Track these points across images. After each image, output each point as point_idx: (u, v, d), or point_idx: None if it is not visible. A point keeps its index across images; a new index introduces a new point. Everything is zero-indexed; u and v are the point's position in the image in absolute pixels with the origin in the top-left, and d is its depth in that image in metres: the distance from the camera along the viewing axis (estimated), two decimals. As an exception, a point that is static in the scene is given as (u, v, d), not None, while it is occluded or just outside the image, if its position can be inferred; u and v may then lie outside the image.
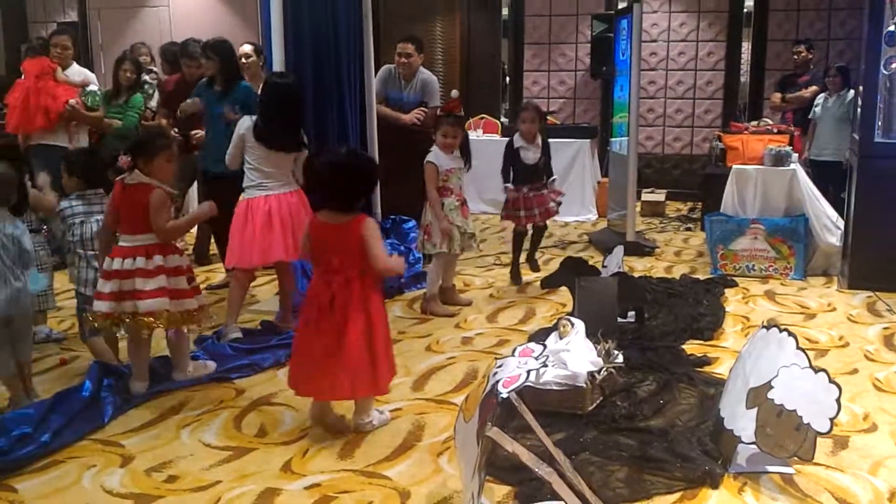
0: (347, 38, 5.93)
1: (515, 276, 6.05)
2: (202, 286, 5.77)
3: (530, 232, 6.05)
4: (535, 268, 6.11)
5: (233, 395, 3.88)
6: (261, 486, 3.00)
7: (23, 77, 6.56)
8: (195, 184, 6.79)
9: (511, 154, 5.78)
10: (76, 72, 6.79)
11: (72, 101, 6.38)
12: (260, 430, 3.50)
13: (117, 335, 4.06)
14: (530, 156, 5.77)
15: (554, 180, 5.99)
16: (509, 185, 5.76)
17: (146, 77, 7.24)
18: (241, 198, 4.62)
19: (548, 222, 6.09)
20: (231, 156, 4.65)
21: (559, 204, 5.98)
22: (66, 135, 6.46)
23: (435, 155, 5.13)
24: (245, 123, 4.60)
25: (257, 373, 4.15)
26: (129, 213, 3.75)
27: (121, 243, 3.76)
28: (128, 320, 3.70)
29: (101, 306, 3.70)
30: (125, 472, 3.13)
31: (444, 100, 8.98)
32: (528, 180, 5.76)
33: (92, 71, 7.82)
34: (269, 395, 3.88)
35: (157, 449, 3.32)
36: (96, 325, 3.76)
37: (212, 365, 4.07)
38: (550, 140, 9.01)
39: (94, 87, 6.75)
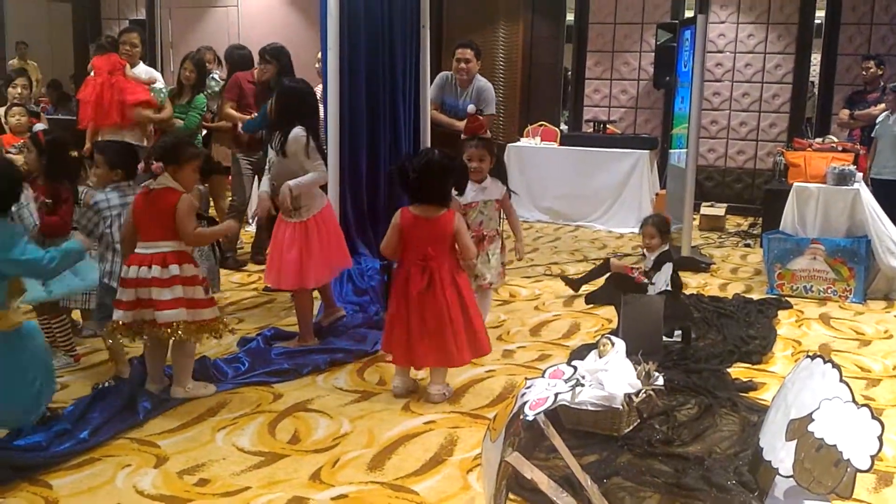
0: (403, 44, 5.95)
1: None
2: (260, 286, 5.93)
3: None
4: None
5: (270, 400, 3.91)
6: (288, 495, 3.01)
7: (92, 74, 6.71)
8: (256, 183, 6.87)
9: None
10: (142, 70, 6.93)
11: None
12: (293, 436, 3.52)
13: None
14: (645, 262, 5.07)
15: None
16: None
17: (214, 75, 7.39)
18: (292, 219, 4.57)
19: (601, 234, 5.73)
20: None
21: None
22: (135, 132, 6.55)
23: None
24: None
25: (297, 378, 4.17)
26: (149, 218, 3.75)
27: (138, 250, 3.75)
28: (146, 329, 3.73)
29: (120, 316, 3.72)
30: (158, 472, 3.17)
31: (501, 107, 8.97)
32: None
33: (161, 69, 8.00)
34: (306, 401, 3.90)
35: (192, 451, 3.36)
36: (119, 335, 3.79)
37: (211, 387, 3.99)
38: (610, 149, 9.06)
39: (160, 85, 6.90)
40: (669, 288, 4.73)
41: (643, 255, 5.36)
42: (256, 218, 6.32)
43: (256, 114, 6.13)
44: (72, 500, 2.95)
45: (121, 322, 3.72)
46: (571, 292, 5.92)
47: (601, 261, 5.47)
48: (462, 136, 4.67)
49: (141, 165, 3.92)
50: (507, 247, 4.93)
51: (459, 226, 3.87)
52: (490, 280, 4.65)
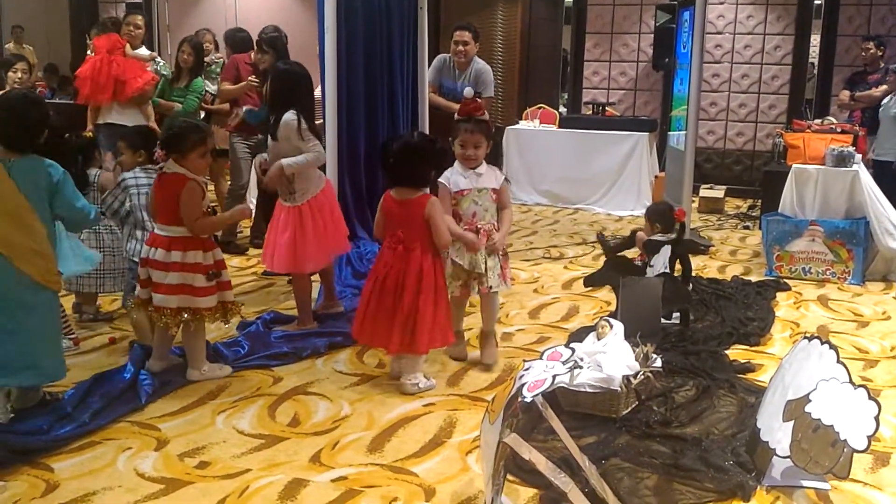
0: (401, 26, 5.94)
1: None
2: (259, 270, 5.93)
3: None
4: None
5: (270, 383, 3.92)
6: (289, 477, 3.03)
7: (92, 53, 6.71)
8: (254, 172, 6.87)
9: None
10: (144, 53, 6.93)
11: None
12: (293, 419, 3.53)
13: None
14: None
15: None
16: None
17: (213, 58, 7.38)
18: (287, 203, 4.58)
19: (600, 216, 5.62)
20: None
21: None
22: (136, 114, 6.55)
23: (450, 172, 4.08)
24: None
25: (296, 361, 4.18)
26: (161, 202, 3.79)
27: (156, 231, 3.82)
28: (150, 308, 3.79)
29: (139, 292, 3.84)
30: (159, 455, 3.19)
31: (499, 90, 8.94)
32: None
33: (158, 52, 7.98)
34: (306, 384, 3.91)
35: (192, 434, 3.38)
36: (138, 310, 3.90)
37: (227, 369, 4.02)
38: (609, 132, 9.04)
39: (161, 62, 6.95)
40: (668, 270, 4.74)
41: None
42: (255, 201, 6.33)
43: (254, 107, 6.09)
44: (73, 482, 2.96)
45: (139, 298, 3.83)
46: (570, 275, 5.95)
47: (623, 237, 5.37)
48: (456, 116, 4.13)
49: (159, 154, 3.96)
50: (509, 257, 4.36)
51: (431, 210, 3.75)
52: (490, 284, 4.07)
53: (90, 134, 4.82)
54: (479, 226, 4.03)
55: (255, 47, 6.05)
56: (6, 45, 11.80)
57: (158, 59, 7.03)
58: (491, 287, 4.07)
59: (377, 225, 3.95)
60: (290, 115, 4.43)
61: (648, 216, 5.06)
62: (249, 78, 6.43)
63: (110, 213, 4.26)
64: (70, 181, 3.39)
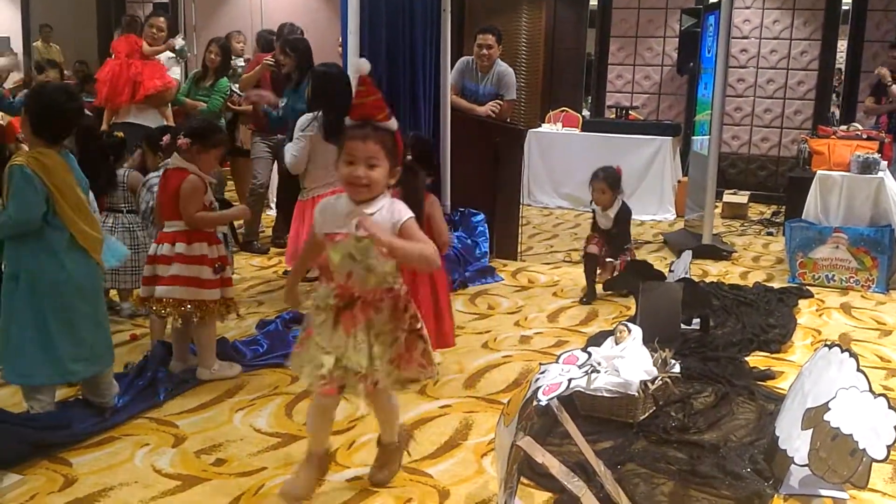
0: (424, 28, 5.94)
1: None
2: (280, 270, 5.96)
3: None
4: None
5: (288, 382, 3.93)
6: (304, 476, 3.03)
7: (112, 57, 6.79)
8: (275, 171, 6.90)
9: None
10: (166, 56, 6.99)
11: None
12: (310, 418, 3.54)
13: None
14: (603, 221, 5.57)
15: (626, 249, 5.53)
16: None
17: (240, 61, 7.43)
18: (301, 198, 4.61)
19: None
20: (299, 162, 4.65)
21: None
22: (155, 115, 6.62)
23: (325, 202, 2.82)
24: (304, 124, 4.60)
25: (314, 360, 4.19)
26: (165, 198, 3.81)
27: (163, 230, 3.84)
28: (153, 305, 3.80)
29: (140, 290, 3.86)
30: (176, 452, 3.21)
31: (522, 93, 8.92)
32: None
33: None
34: (323, 383, 3.91)
35: (209, 431, 3.40)
36: (135, 307, 3.95)
37: (237, 367, 4.03)
38: (632, 136, 8.99)
39: (182, 42, 7.02)
40: (688, 275, 4.72)
41: (593, 212, 5.63)
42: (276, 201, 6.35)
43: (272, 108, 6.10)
44: (91, 477, 2.99)
45: (140, 296, 3.85)
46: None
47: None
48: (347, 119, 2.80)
49: (166, 138, 3.97)
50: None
51: (431, 209, 3.78)
52: (369, 374, 2.66)
53: (121, 134, 4.87)
54: (358, 294, 2.65)
55: (280, 49, 6.07)
56: (34, 44, 11.94)
57: (180, 39, 7.08)
58: (368, 377, 2.67)
59: None
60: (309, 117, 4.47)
61: (595, 178, 5.43)
62: (264, 60, 6.42)
63: (139, 212, 4.31)
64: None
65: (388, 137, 2.65)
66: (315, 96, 4.59)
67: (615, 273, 5.36)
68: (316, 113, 4.64)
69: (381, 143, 2.61)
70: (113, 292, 4.80)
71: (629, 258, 5.45)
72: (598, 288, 5.51)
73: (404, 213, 2.65)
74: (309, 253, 2.95)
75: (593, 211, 5.62)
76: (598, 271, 5.50)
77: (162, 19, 6.99)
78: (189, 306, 3.73)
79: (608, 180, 5.50)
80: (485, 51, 6.54)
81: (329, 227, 2.69)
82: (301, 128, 4.65)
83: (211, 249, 3.81)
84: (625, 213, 5.56)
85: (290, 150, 4.66)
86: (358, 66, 2.65)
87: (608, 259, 5.47)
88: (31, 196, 3.10)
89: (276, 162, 6.69)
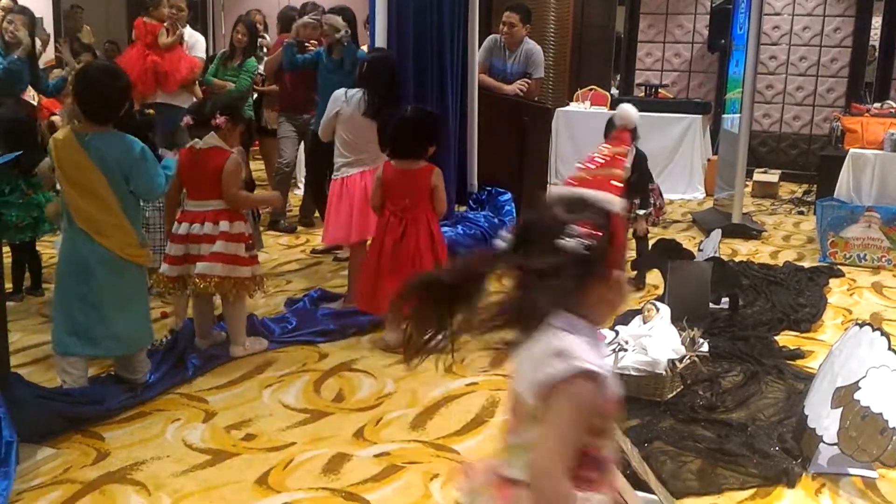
0: (452, 6, 5.90)
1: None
2: (308, 249, 6.00)
3: None
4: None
5: (316, 359, 3.97)
6: (332, 451, 3.07)
7: (134, 37, 6.79)
8: (302, 146, 6.89)
9: None
10: (188, 34, 6.97)
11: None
12: (338, 395, 3.57)
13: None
14: None
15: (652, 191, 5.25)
16: None
17: (260, 42, 7.41)
18: (335, 176, 4.63)
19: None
20: (325, 129, 4.67)
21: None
22: (186, 96, 6.63)
23: None
24: (340, 97, 4.60)
25: (342, 338, 4.22)
26: (198, 177, 3.81)
27: (189, 208, 3.83)
28: (190, 283, 3.81)
29: (167, 270, 3.83)
30: (206, 427, 3.25)
31: (550, 70, 8.81)
32: None
33: (212, 32, 8.03)
34: (351, 360, 3.95)
35: (239, 407, 3.44)
36: (161, 287, 3.90)
37: (264, 342, 4.07)
38: (661, 114, 8.90)
39: (201, 54, 6.95)
40: (717, 254, 4.68)
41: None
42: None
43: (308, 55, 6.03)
44: (123, 451, 3.04)
45: (165, 276, 3.83)
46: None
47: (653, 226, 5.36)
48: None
49: (186, 119, 3.98)
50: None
51: (437, 180, 4.08)
52: None
53: (152, 112, 4.87)
54: None
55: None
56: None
57: (198, 48, 7.00)
58: None
59: (374, 195, 4.16)
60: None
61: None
62: (286, 41, 6.33)
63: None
64: (149, 158, 3.39)
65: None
66: (364, 76, 4.59)
67: (649, 222, 5.22)
68: (361, 90, 4.59)
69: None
70: None
71: (658, 204, 5.29)
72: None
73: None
74: None
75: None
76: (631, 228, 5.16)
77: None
78: (230, 282, 3.78)
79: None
80: (507, 28, 6.48)
81: None
82: (336, 99, 4.63)
83: (246, 227, 3.88)
84: (641, 158, 5.16)
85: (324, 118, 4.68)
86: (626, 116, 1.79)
87: (640, 211, 5.16)
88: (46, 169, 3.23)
89: (301, 141, 6.70)
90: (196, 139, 3.86)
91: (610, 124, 5.05)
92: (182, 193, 3.92)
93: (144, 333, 3.55)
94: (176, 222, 3.86)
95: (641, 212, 5.15)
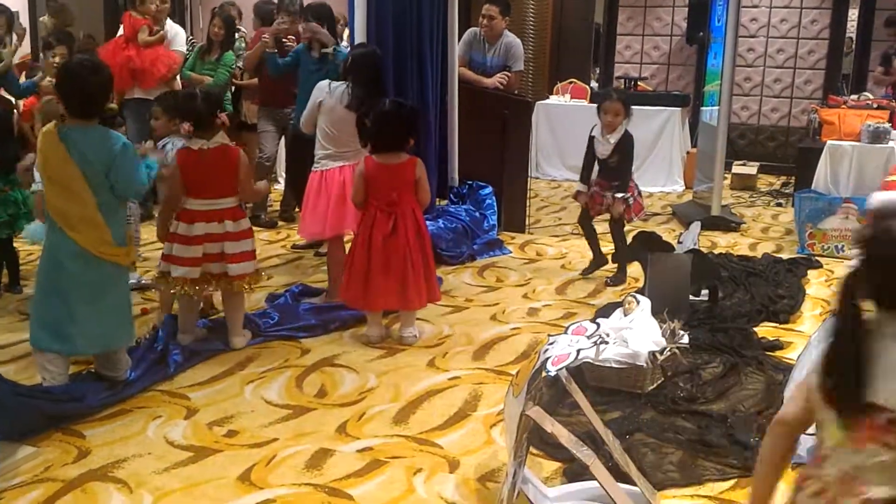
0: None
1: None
2: (288, 244, 5.99)
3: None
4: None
5: (298, 355, 3.96)
6: (315, 446, 3.07)
7: (120, 30, 6.73)
8: (282, 145, 6.86)
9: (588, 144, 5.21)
10: (168, 25, 6.91)
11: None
12: (320, 390, 3.57)
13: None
14: (601, 149, 5.14)
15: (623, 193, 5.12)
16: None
17: (241, 33, 7.36)
18: (314, 168, 4.61)
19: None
20: (307, 119, 4.65)
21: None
22: (162, 90, 6.57)
23: None
24: (323, 88, 4.58)
25: (324, 333, 4.22)
26: (209, 177, 3.81)
27: (197, 208, 3.81)
28: (215, 283, 3.86)
29: (185, 272, 3.80)
30: (188, 424, 3.24)
31: (530, 64, 8.80)
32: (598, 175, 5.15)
33: (190, 26, 7.96)
34: (333, 356, 3.95)
35: (221, 403, 3.43)
36: (184, 290, 3.84)
37: (248, 334, 4.11)
38: (640, 107, 8.90)
39: (182, 49, 6.89)
40: (697, 246, 4.71)
41: (590, 140, 5.23)
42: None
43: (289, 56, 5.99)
44: (104, 449, 3.02)
45: (188, 278, 3.81)
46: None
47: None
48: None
49: (186, 126, 3.99)
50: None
51: (421, 172, 4.10)
52: None
53: (115, 106, 4.82)
54: None
55: (301, 15, 5.92)
56: (41, 19, 11.86)
57: (177, 42, 6.93)
58: None
59: (357, 191, 4.09)
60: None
61: (608, 98, 5.17)
62: (263, 38, 6.29)
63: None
64: (130, 153, 3.36)
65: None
66: (349, 70, 4.57)
67: (625, 212, 5.07)
68: (345, 83, 4.56)
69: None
70: None
71: (632, 203, 5.12)
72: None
73: None
74: None
75: (591, 139, 5.19)
76: (597, 208, 5.18)
77: None
78: (256, 277, 3.98)
79: (623, 100, 5.18)
80: (486, 21, 6.48)
81: None
82: (320, 89, 4.60)
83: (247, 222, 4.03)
84: (627, 140, 5.13)
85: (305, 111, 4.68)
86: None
87: (617, 195, 5.06)
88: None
89: (282, 136, 6.67)
90: (193, 139, 3.85)
91: (607, 97, 5.10)
92: None
93: (122, 332, 3.50)
94: (183, 223, 3.82)
95: (619, 195, 5.07)
